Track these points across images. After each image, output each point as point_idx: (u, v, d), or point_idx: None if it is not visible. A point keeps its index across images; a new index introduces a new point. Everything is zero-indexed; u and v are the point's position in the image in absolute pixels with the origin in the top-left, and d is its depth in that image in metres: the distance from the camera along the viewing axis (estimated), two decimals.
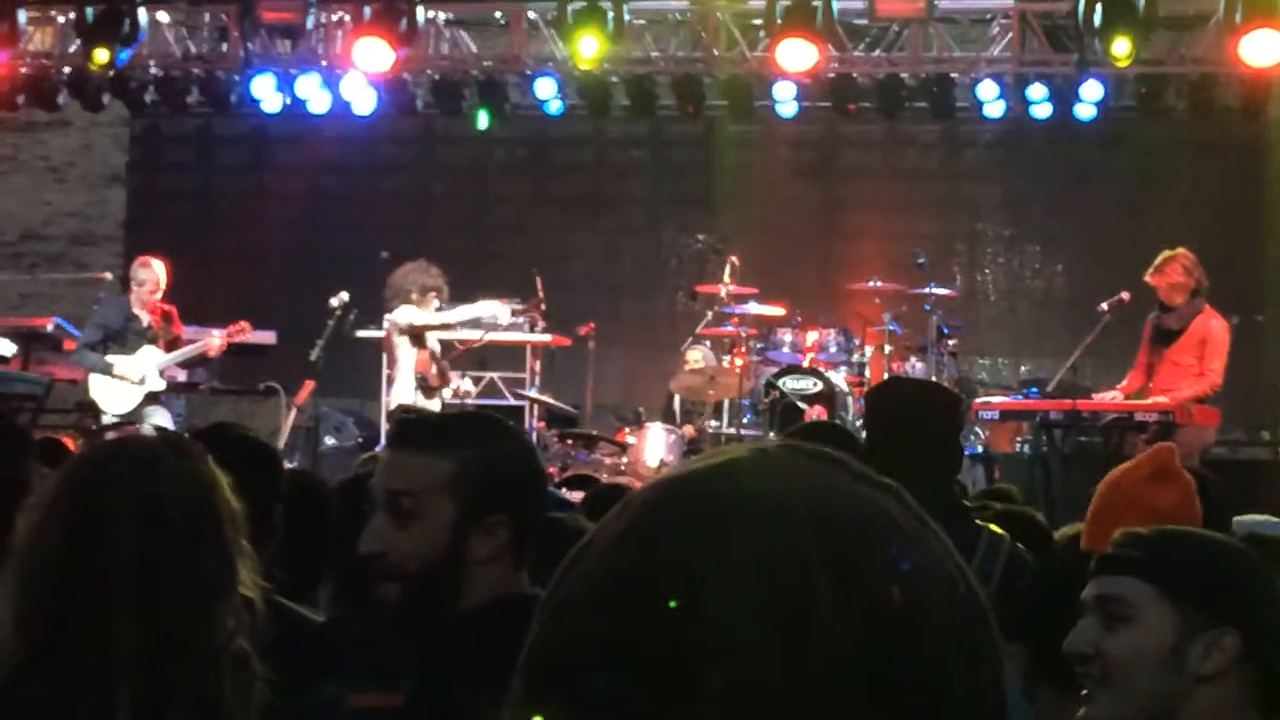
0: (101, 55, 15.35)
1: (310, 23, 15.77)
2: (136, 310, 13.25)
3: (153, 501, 2.89)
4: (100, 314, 13.67)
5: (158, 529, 2.87)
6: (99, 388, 13.17)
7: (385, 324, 13.36)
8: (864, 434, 5.33)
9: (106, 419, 13.15)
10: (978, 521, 5.08)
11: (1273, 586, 2.77)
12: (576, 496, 7.94)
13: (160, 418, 13.09)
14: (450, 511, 3.06)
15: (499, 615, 2.96)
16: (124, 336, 13.14)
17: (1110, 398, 12.10)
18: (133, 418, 13.01)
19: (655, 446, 13.66)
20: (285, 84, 16.39)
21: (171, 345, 13.28)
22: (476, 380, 14.53)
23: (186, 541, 2.87)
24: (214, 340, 13.53)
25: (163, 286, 13.25)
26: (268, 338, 14.77)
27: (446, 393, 13.26)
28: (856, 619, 1.17)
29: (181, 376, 13.64)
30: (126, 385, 13.04)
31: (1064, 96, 15.47)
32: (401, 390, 13.08)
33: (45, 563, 2.87)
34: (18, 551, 2.93)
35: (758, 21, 15.45)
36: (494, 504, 3.07)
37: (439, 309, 13.33)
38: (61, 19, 16.41)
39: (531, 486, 3.22)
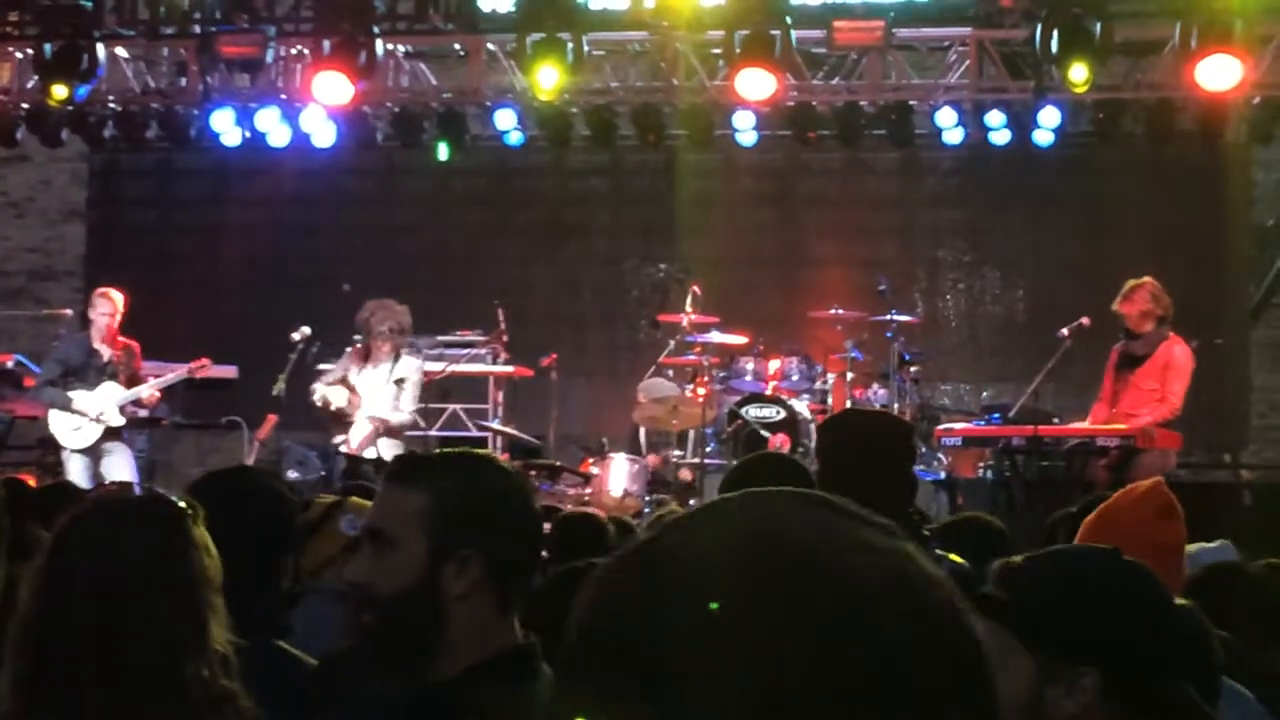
0: (60, 91, 15.33)
1: (269, 56, 15.70)
2: (97, 345, 13.15)
3: (105, 565, 3.03)
4: (60, 350, 13.59)
5: (111, 592, 3.00)
6: (58, 423, 13.08)
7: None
8: (817, 465, 5.35)
9: (65, 454, 13.08)
10: (939, 550, 5.12)
11: (1137, 618, 2.79)
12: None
13: (120, 454, 13.03)
14: (422, 544, 3.04)
15: (478, 688, 2.99)
16: (85, 372, 13.05)
17: None
18: (92, 453, 12.95)
19: (619, 477, 13.65)
20: (245, 118, 16.36)
21: (133, 381, 13.20)
22: (439, 412, 14.48)
23: (146, 602, 2.97)
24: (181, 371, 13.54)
25: (120, 313, 13.13)
26: (229, 372, 14.73)
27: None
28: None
29: (143, 412, 13.56)
30: (85, 421, 12.96)
31: (1022, 123, 15.51)
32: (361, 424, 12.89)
33: (22, 626, 3.01)
34: (16, 614, 3.08)
35: (717, 51, 15.47)
36: (464, 538, 3.04)
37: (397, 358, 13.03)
38: (19, 55, 16.35)
39: (507, 522, 3.12)
